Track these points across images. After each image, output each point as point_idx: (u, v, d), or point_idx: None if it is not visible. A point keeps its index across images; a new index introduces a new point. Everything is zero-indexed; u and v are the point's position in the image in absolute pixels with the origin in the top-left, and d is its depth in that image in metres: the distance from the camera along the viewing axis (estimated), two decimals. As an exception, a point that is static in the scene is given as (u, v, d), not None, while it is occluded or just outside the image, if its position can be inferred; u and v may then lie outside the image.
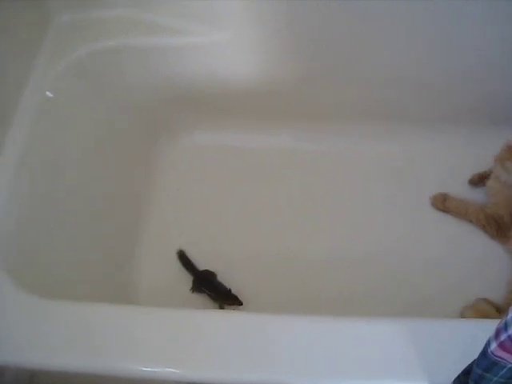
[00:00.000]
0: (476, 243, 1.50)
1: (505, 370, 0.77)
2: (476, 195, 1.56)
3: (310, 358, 1.00)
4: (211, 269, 1.46)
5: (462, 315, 1.39)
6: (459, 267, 1.46)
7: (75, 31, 1.41)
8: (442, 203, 1.59)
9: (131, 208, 1.54)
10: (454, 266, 1.47)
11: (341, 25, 1.39)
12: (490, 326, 0.77)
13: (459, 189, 1.58)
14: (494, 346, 0.75)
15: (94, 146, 1.43)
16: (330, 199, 1.56)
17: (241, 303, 1.36)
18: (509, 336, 0.71)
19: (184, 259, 1.47)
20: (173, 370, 1.00)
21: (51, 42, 1.39)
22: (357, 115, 1.62)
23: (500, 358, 0.75)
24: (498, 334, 0.74)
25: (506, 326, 0.71)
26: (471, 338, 0.84)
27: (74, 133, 1.37)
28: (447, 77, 1.51)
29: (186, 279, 1.45)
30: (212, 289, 1.40)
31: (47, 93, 1.33)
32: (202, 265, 1.47)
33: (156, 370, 1.00)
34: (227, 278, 1.43)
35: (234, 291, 1.39)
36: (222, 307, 1.38)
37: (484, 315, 1.36)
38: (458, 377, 0.91)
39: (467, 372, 0.88)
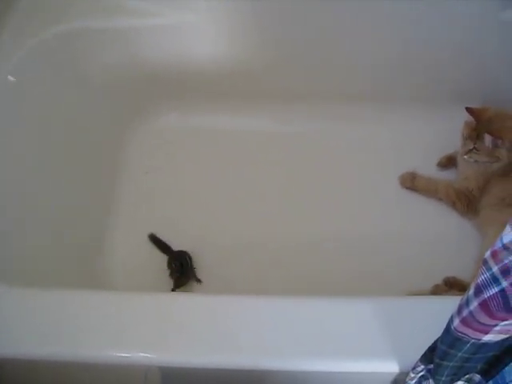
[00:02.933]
0: (445, 222, 1.51)
1: (468, 345, 0.78)
2: (448, 177, 1.57)
3: (280, 338, 1.01)
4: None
5: (432, 293, 1.40)
6: (429, 246, 1.47)
7: (38, 13, 1.38)
8: (411, 182, 1.59)
9: (101, 193, 1.52)
10: (424, 245, 1.47)
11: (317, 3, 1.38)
12: (456, 302, 0.77)
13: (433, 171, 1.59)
14: (456, 322, 0.76)
15: (61, 131, 1.40)
16: (306, 181, 1.56)
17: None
18: (470, 312, 0.71)
19: (156, 241, 1.46)
20: (147, 355, 1.00)
21: (13, 25, 1.36)
22: (336, 96, 1.62)
23: (462, 333, 0.76)
24: (460, 310, 0.75)
25: (467, 302, 0.72)
26: (438, 314, 0.84)
27: (39, 117, 1.35)
28: (430, 56, 1.52)
29: (159, 261, 1.43)
30: (181, 270, 1.39)
31: (9, 77, 1.30)
32: (174, 247, 1.46)
33: (129, 355, 1.00)
34: (200, 260, 1.42)
35: (204, 274, 1.38)
36: (173, 290, 1.37)
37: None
38: (425, 353, 0.92)
39: (433, 349, 0.89)
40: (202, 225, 1.49)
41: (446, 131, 1.57)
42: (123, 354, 1.00)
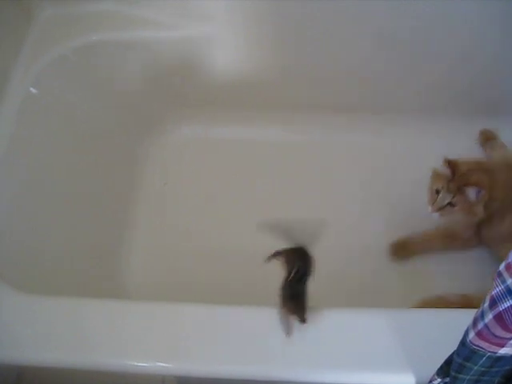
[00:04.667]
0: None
1: (484, 358, 0.77)
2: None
3: (296, 349, 1.01)
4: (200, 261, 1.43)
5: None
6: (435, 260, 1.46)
7: (58, 26, 1.40)
8: (404, 250, 1.52)
9: (119, 204, 1.53)
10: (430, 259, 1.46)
11: (325, 14, 1.38)
12: (471, 315, 0.76)
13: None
14: (472, 335, 0.75)
15: (80, 142, 1.42)
16: (320, 192, 1.55)
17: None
18: (485, 325, 0.71)
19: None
20: (164, 365, 1.00)
21: (34, 38, 1.38)
22: (345, 107, 1.61)
23: (478, 346, 0.75)
24: (475, 323, 0.74)
25: (482, 315, 0.71)
26: (454, 327, 0.83)
27: (59, 130, 1.37)
28: (439, 65, 1.51)
29: (174, 272, 1.44)
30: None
31: (31, 89, 1.32)
32: (189, 259, 1.45)
33: (147, 364, 1.00)
34: (216, 272, 1.42)
35: (225, 286, 1.37)
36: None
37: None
38: (441, 367, 0.91)
39: (449, 362, 0.88)
40: (219, 235, 1.49)
41: (447, 142, 1.54)
42: (140, 364, 1.01)
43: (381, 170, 1.61)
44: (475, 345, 0.75)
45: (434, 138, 1.61)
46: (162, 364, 1.01)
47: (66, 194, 1.36)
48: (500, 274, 0.65)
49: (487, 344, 0.74)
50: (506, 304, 0.65)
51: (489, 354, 0.76)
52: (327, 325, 1.04)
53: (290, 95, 1.60)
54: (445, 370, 0.91)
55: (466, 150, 1.49)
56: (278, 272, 1.33)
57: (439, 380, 0.95)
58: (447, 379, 0.91)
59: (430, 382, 0.96)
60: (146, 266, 1.46)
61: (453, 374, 0.87)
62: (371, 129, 1.64)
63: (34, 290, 1.09)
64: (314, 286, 1.23)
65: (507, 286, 0.64)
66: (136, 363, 1.01)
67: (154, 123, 1.64)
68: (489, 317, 0.69)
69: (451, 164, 1.33)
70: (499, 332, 0.69)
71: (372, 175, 1.60)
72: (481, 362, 0.79)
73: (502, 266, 0.64)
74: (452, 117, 1.60)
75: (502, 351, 0.74)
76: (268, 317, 1.04)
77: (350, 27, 1.43)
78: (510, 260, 0.61)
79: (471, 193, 1.31)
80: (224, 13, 1.40)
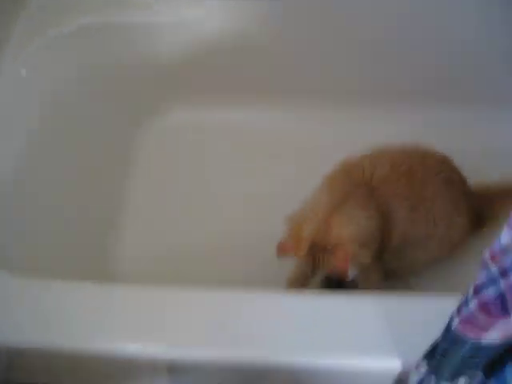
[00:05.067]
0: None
1: (468, 346, 0.78)
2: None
3: (285, 333, 1.02)
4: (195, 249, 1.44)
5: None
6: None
7: (51, 9, 1.39)
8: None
9: (111, 190, 1.53)
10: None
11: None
12: (457, 301, 0.77)
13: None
14: (456, 321, 0.76)
15: (72, 127, 1.42)
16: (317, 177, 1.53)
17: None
18: (469, 312, 0.72)
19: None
20: (155, 348, 1.01)
21: (25, 21, 1.37)
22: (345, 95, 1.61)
23: (462, 333, 0.76)
24: (459, 309, 0.75)
25: (467, 302, 0.72)
26: (441, 312, 0.84)
27: (50, 113, 1.37)
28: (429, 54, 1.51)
29: (164, 259, 1.44)
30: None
31: (21, 71, 1.31)
32: (182, 245, 1.45)
33: (137, 347, 1.01)
34: (206, 259, 1.41)
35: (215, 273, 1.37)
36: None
37: None
38: (427, 351, 0.92)
39: (435, 347, 0.89)
40: (211, 222, 1.49)
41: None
42: (130, 346, 1.02)
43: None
44: (459, 331, 0.77)
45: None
46: (152, 348, 1.01)
47: (57, 178, 1.36)
48: (484, 262, 0.66)
49: (472, 332, 0.75)
50: (490, 292, 0.66)
51: (472, 341, 0.77)
52: (315, 309, 1.05)
53: (286, 81, 1.58)
54: (431, 354, 0.92)
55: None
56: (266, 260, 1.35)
57: (425, 364, 0.96)
58: (433, 364, 0.93)
59: (417, 366, 0.98)
60: (135, 252, 1.46)
61: (438, 357, 0.88)
62: (371, 118, 1.62)
63: (20, 273, 1.09)
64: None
65: (491, 274, 0.65)
66: (126, 346, 1.01)
67: (147, 109, 1.64)
68: (473, 304, 0.70)
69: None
70: (482, 320, 0.70)
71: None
72: (465, 349, 0.80)
73: (486, 254, 0.65)
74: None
75: (486, 340, 0.75)
76: (260, 302, 1.05)
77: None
78: (493, 248, 0.62)
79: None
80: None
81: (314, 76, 1.58)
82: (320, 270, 1.12)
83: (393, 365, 1.01)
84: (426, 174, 1.26)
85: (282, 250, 1.14)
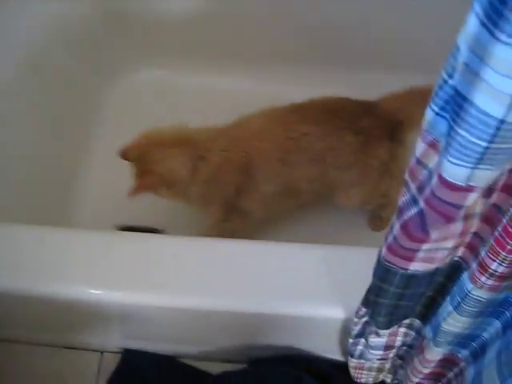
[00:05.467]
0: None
1: (397, 277, 0.79)
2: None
3: (230, 279, 1.03)
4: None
5: None
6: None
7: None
8: None
9: (76, 143, 1.53)
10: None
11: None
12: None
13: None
14: (384, 250, 0.77)
15: (41, 81, 1.42)
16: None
17: None
18: (394, 237, 0.72)
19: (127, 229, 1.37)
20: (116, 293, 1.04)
21: None
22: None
23: (390, 262, 0.77)
24: (386, 237, 0.75)
25: (391, 228, 0.72)
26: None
27: (22, 66, 1.38)
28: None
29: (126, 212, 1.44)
30: None
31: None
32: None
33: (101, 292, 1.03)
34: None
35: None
36: None
37: None
38: (365, 295, 0.93)
39: (371, 289, 0.90)
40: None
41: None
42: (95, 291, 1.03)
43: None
44: (387, 261, 0.77)
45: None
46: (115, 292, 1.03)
47: (25, 125, 1.37)
48: (405, 183, 0.66)
49: (397, 258, 0.75)
50: (411, 212, 0.67)
51: (401, 271, 0.77)
52: (260, 256, 1.06)
53: (256, 44, 1.59)
54: (368, 298, 0.92)
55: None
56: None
57: (364, 310, 0.96)
58: (369, 306, 0.93)
59: (357, 312, 0.98)
60: (97, 201, 1.46)
61: (372, 298, 0.89)
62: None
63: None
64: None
65: (412, 194, 0.66)
66: (90, 290, 1.03)
67: (116, 67, 1.64)
68: (396, 227, 0.70)
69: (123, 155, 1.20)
70: (405, 242, 0.70)
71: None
72: (395, 281, 0.80)
73: (406, 175, 0.65)
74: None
75: (412, 267, 0.76)
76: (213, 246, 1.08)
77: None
78: (411, 164, 0.62)
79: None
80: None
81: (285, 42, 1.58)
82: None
83: (336, 313, 1.01)
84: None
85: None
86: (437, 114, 0.54)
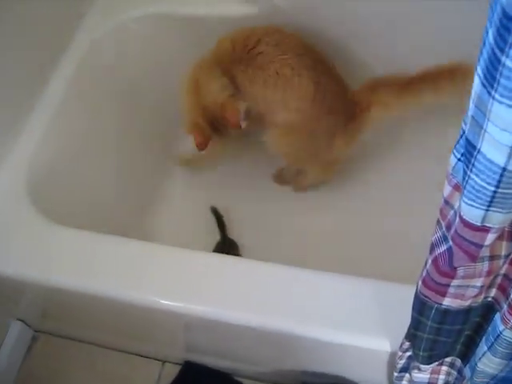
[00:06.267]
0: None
1: (433, 311, 0.84)
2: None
3: (286, 304, 1.10)
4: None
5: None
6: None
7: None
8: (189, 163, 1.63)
9: (158, 163, 1.65)
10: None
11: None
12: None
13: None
14: (419, 284, 0.82)
15: (125, 110, 1.54)
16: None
17: None
18: (427, 271, 0.77)
19: (217, 215, 1.53)
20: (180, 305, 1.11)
21: (96, 8, 1.51)
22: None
23: (425, 296, 0.82)
24: (422, 271, 0.81)
25: (426, 263, 0.78)
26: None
27: (110, 87, 1.49)
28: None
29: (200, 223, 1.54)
30: None
31: (88, 51, 1.46)
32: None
33: (170, 303, 1.10)
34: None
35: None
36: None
37: None
38: (408, 329, 0.97)
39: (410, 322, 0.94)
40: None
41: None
42: (163, 301, 1.11)
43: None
44: (423, 294, 0.82)
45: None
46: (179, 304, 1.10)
47: (109, 154, 1.48)
48: (438, 221, 0.72)
49: (432, 292, 0.80)
50: (441, 249, 0.72)
51: (436, 305, 0.82)
52: (317, 285, 1.12)
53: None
54: (409, 331, 0.97)
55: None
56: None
57: (408, 344, 1.01)
58: (410, 340, 0.97)
59: (401, 346, 1.02)
60: (173, 224, 1.56)
61: (412, 331, 0.93)
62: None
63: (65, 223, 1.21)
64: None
65: (443, 231, 0.71)
66: (162, 300, 1.10)
67: None
68: (429, 262, 0.76)
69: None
70: (436, 277, 0.76)
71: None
72: (431, 315, 0.85)
73: (438, 214, 0.71)
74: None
75: (446, 302, 0.80)
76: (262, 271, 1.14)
77: None
78: (440, 205, 0.69)
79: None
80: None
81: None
82: (223, 133, 1.32)
83: (381, 346, 1.06)
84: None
85: (201, 146, 1.30)
86: (458, 159, 0.61)
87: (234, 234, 1.51)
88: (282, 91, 1.32)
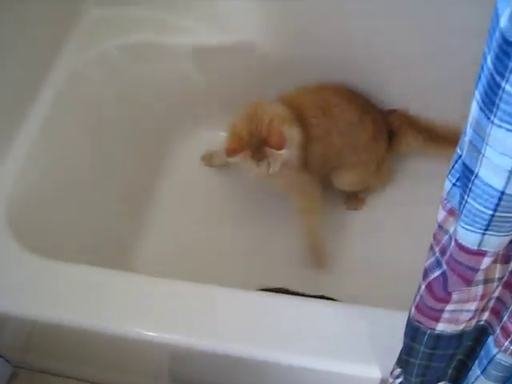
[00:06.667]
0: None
1: (426, 337, 0.83)
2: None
3: (273, 333, 1.09)
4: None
5: None
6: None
7: (101, 26, 1.52)
8: (209, 160, 1.68)
9: (140, 193, 1.64)
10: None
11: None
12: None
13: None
14: (412, 310, 0.82)
15: (109, 135, 1.54)
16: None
17: None
18: (421, 297, 0.77)
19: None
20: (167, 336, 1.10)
21: (79, 34, 1.50)
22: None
23: (418, 322, 0.81)
24: (415, 297, 0.81)
25: (419, 288, 0.78)
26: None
27: (91, 117, 1.49)
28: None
29: (187, 254, 1.53)
30: None
31: (69, 80, 1.45)
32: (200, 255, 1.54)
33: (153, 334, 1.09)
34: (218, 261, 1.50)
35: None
36: None
37: None
38: (399, 355, 0.97)
39: (402, 348, 0.94)
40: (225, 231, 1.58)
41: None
42: (146, 333, 1.10)
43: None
44: (416, 320, 0.82)
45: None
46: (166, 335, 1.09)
47: (95, 177, 1.47)
48: (431, 246, 0.72)
49: (425, 318, 0.80)
50: (435, 274, 0.72)
51: (429, 331, 0.82)
52: (303, 313, 1.12)
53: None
54: (401, 357, 0.96)
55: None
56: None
57: (399, 370, 1.00)
58: (402, 366, 0.97)
59: (392, 372, 1.02)
60: (155, 256, 1.55)
61: (404, 357, 0.93)
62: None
63: (48, 256, 1.19)
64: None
65: (436, 256, 0.72)
66: (141, 331, 1.09)
67: (185, 128, 1.73)
68: (422, 288, 0.76)
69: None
70: (430, 302, 0.75)
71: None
72: (424, 340, 0.84)
73: (432, 239, 0.72)
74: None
75: (439, 327, 0.80)
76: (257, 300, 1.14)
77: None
78: (434, 230, 0.69)
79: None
80: (257, 20, 1.48)
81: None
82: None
83: (372, 372, 1.05)
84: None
85: (230, 152, 1.29)
86: (454, 184, 0.61)
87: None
88: (355, 137, 1.45)
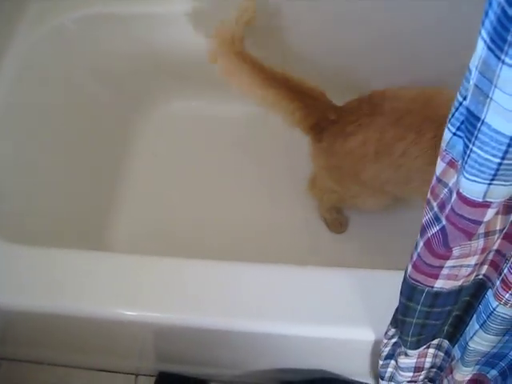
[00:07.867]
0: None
1: (424, 295, 0.81)
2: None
3: (264, 302, 1.06)
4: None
5: None
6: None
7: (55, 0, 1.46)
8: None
9: (108, 171, 1.59)
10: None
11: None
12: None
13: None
14: (409, 268, 0.79)
15: (71, 113, 1.48)
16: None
17: None
18: (418, 254, 0.75)
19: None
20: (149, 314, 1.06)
21: (34, 8, 1.44)
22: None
23: (416, 280, 0.79)
24: (411, 256, 0.78)
25: (416, 246, 0.75)
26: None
27: (53, 98, 1.43)
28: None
29: (157, 240, 1.49)
30: None
31: (25, 57, 1.38)
32: (176, 229, 1.50)
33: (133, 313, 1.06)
34: (200, 243, 1.46)
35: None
36: None
37: None
38: (393, 315, 0.95)
39: (397, 308, 0.92)
40: (203, 206, 1.54)
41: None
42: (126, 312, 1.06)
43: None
44: (413, 279, 0.79)
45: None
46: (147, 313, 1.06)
47: (61, 156, 1.42)
48: (428, 201, 0.69)
49: (422, 276, 0.77)
50: (433, 230, 0.69)
51: (427, 288, 0.79)
52: (294, 280, 1.09)
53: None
54: (396, 317, 0.94)
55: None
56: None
57: (393, 330, 0.98)
58: (397, 326, 0.95)
59: (386, 333, 1.00)
60: (130, 233, 1.51)
61: (400, 317, 0.91)
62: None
63: (18, 241, 1.14)
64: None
65: (434, 212, 0.69)
66: (122, 312, 1.06)
67: (145, 98, 1.69)
68: (420, 245, 0.73)
69: None
70: (429, 259, 0.73)
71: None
72: (421, 299, 0.82)
73: (428, 194, 0.68)
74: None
75: (438, 285, 0.78)
76: (243, 271, 1.10)
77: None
78: (432, 183, 0.66)
79: None
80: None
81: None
82: None
83: (366, 335, 1.03)
84: None
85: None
86: (454, 134, 0.58)
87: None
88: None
